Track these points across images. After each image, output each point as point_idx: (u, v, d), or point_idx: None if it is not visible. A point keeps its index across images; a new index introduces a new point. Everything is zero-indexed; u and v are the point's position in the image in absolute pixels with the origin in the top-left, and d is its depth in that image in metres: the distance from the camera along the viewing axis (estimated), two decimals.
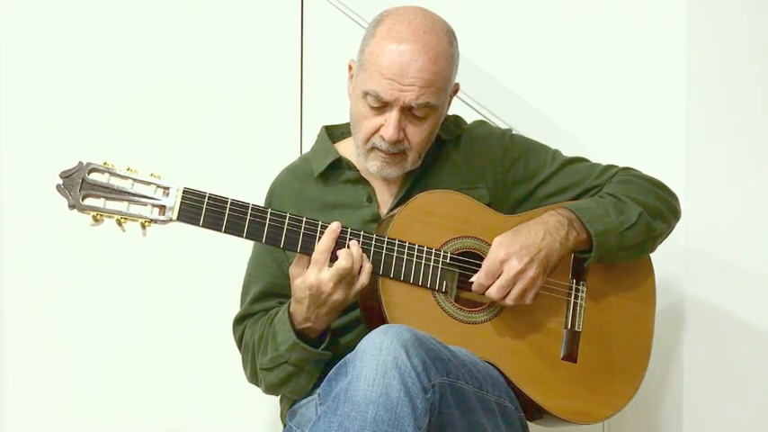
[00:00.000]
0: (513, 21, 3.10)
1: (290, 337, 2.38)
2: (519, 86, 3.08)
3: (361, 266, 2.35)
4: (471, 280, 2.41)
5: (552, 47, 3.08)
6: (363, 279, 2.35)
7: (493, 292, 2.39)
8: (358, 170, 2.53)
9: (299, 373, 2.43)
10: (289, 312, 2.40)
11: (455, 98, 2.59)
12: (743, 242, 2.95)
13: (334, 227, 2.34)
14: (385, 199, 2.54)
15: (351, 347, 2.23)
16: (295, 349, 2.39)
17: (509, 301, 2.40)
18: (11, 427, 3.01)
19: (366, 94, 2.41)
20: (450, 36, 2.45)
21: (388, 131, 2.41)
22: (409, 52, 2.39)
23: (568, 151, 2.65)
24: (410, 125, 2.43)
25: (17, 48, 3.04)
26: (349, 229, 2.37)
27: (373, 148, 2.45)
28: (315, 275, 2.33)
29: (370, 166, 2.47)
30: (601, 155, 2.80)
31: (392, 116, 2.41)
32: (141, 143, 3.03)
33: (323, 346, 2.40)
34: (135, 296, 3.03)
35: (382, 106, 2.42)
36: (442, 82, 2.42)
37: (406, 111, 2.42)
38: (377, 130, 2.43)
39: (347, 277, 2.33)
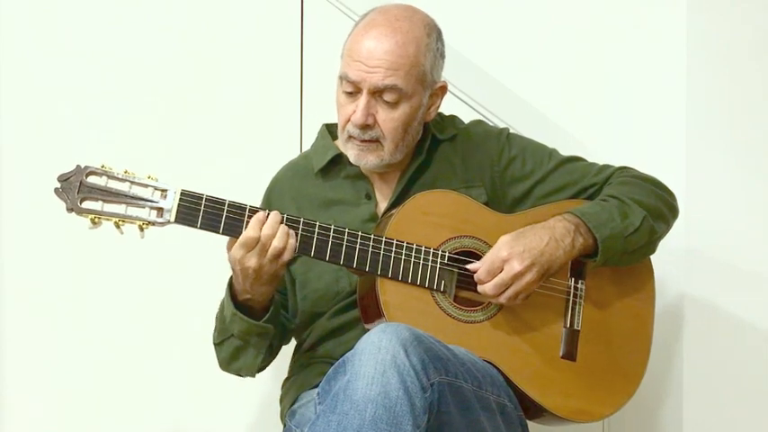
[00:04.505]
0: (512, 20, 3.09)
1: (230, 308, 2.42)
2: (518, 86, 3.08)
3: (285, 236, 2.35)
4: (470, 267, 2.42)
5: (552, 46, 3.08)
6: (276, 243, 2.34)
7: (488, 289, 2.41)
8: (358, 167, 2.54)
9: (246, 347, 2.46)
10: (230, 284, 2.43)
11: (454, 98, 2.59)
12: (743, 241, 2.94)
13: (260, 216, 2.34)
14: (383, 197, 2.56)
15: (350, 347, 2.24)
16: (235, 320, 2.42)
17: (502, 299, 2.41)
18: (11, 427, 3.02)
19: (341, 79, 2.46)
20: (429, 29, 2.48)
21: (356, 114, 2.44)
22: (377, 36, 2.43)
23: (568, 151, 2.66)
24: (381, 111, 2.45)
25: (15, 49, 3.04)
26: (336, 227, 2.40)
27: (350, 137, 2.48)
28: (233, 247, 2.35)
29: (349, 156, 2.50)
30: (601, 155, 2.80)
31: (361, 100, 2.44)
32: (141, 143, 3.03)
33: (264, 319, 2.43)
34: (134, 297, 3.03)
35: (355, 91, 2.45)
36: (411, 68, 2.44)
37: (377, 96, 2.44)
38: (350, 117, 2.46)
39: (256, 246, 2.33)
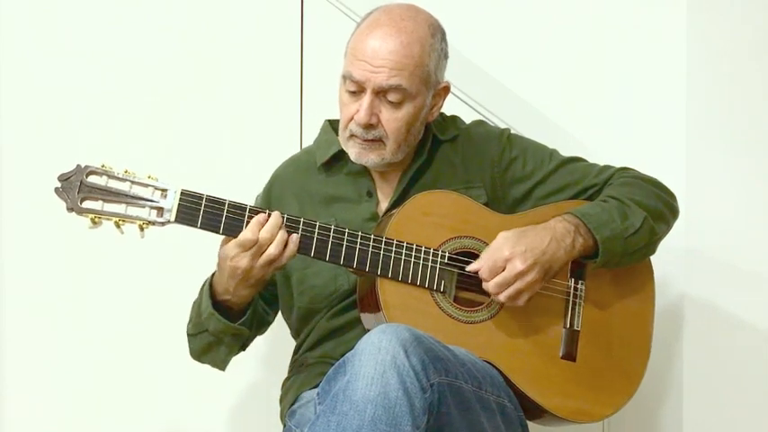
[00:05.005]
0: (512, 20, 3.09)
1: (208, 306, 2.43)
2: (518, 86, 3.08)
3: (282, 243, 2.35)
4: (470, 268, 2.42)
5: (552, 46, 3.08)
6: (272, 249, 2.34)
7: (490, 287, 2.41)
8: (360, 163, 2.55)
9: (219, 344, 2.48)
10: (211, 282, 2.44)
11: (455, 98, 2.58)
12: (742, 241, 2.95)
13: (260, 218, 2.34)
14: (384, 195, 2.56)
15: (350, 347, 2.24)
16: (211, 319, 2.43)
17: (502, 298, 2.41)
18: (11, 427, 3.02)
19: (344, 78, 2.46)
20: (433, 29, 2.48)
21: (359, 113, 2.44)
22: (382, 35, 2.43)
23: (568, 151, 2.66)
24: (385, 111, 2.45)
25: (15, 49, 3.04)
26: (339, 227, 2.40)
27: (352, 136, 2.48)
28: (227, 244, 2.35)
29: (350, 155, 2.50)
30: (601, 155, 2.80)
31: (365, 99, 2.44)
32: (141, 142, 3.03)
33: (240, 321, 2.44)
34: (134, 297, 3.03)
35: (358, 91, 2.45)
36: (416, 68, 2.44)
37: (381, 95, 2.45)
38: (354, 117, 2.46)
39: (252, 248, 2.33)
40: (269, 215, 2.35)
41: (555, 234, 2.45)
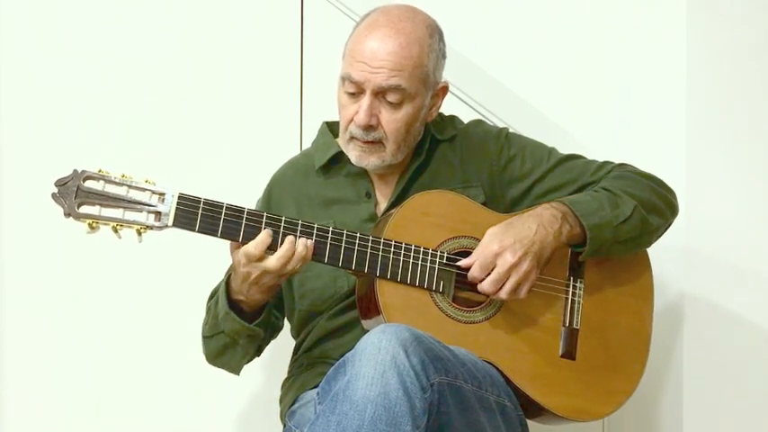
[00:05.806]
0: (512, 20, 3.09)
1: (224, 306, 2.43)
2: (518, 86, 3.08)
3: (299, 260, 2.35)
4: (462, 263, 2.42)
5: (552, 46, 3.08)
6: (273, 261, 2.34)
7: (486, 286, 2.40)
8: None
9: (234, 345, 2.47)
10: (228, 280, 2.44)
11: (454, 98, 2.58)
12: (743, 241, 2.95)
13: (267, 240, 2.33)
14: (383, 196, 2.56)
15: (350, 348, 2.24)
16: (227, 319, 2.43)
17: (503, 294, 2.40)
18: (11, 427, 3.03)
19: (343, 79, 2.46)
20: (431, 30, 2.49)
21: (359, 114, 2.45)
22: (380, 36, 2.44)
23: (567, 150, 2.66)
24: (384, 112, 2.46)
25: (15, 49, 3.04)
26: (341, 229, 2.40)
27: (352, 138, 2.48)
28: (239, 251, 2.34)
29: (350, 157, 2.50)
30: (600, 155, 2.79)
31: (364, 100, 2.44)
32: (141, 143, 3.03)
33: (256, 322, 2.44)
34: (134, 297, 3.03)
35: (357, 92, 2.45)
36: (415, 68, 2.45)
37: (380, 96, 2.45)
38: (353, 118, 2.46)
39: (254, 259, 2.33)
40: (276, 235, 2.33)
41: (542, 221, 2.45)
